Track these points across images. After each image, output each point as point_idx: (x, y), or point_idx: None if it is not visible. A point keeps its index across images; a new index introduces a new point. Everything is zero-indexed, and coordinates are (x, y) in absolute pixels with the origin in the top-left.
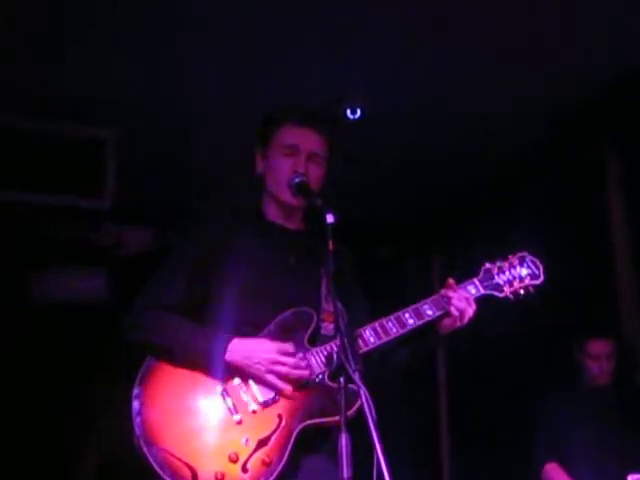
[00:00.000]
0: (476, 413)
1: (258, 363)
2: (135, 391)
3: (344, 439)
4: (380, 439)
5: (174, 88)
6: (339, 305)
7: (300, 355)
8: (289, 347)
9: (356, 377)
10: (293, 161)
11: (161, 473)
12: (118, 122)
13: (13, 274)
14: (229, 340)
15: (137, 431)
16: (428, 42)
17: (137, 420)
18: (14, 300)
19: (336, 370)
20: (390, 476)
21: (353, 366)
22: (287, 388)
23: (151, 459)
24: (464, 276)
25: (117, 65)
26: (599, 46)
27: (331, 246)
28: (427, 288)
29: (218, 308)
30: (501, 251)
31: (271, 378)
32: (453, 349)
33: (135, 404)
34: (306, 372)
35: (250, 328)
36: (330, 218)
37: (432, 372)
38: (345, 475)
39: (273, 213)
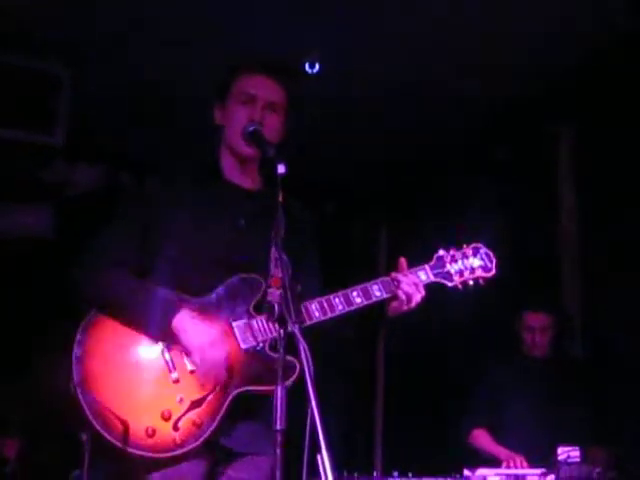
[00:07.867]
0: (412, 378)
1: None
2: (78, 337)
3: (280, 391)
4: (316, 395)
5: (130, 27)
6: (284, 257)
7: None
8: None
9: (296, 329)
10: (250, 110)
11: (94, 422)
12: (73, 59)
13: None
14: (176, 312)
15: (75, 378)
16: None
17: (77, 367)
18: None
19: (278, 320)
20: (324, 431)
21: (294, 318)
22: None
23: (86, 407)
24: (411, 244)
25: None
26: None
27: (281, 197)
28: (373, 252)
29: (166, 269)
30: (451, 223)
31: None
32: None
33: (77, 351)
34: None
35: (198, 291)
36: (281, 168)
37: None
38: (278, 427)
39: (229, 168)
